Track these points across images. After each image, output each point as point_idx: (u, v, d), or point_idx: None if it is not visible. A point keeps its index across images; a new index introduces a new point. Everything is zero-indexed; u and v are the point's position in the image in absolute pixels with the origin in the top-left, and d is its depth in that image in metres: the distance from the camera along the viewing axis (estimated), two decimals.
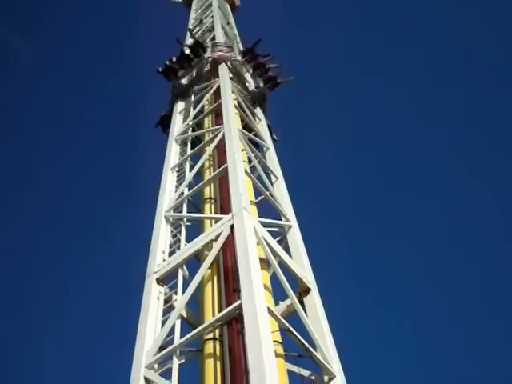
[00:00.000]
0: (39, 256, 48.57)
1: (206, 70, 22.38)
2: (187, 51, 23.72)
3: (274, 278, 12.50)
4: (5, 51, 55.01)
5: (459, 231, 44.83)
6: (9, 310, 42.74)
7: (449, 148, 48.46)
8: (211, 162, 16.74)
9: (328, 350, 11.37)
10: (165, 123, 21.71)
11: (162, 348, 10.97)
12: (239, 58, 23.37)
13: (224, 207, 14.17)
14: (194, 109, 20.35)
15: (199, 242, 13.02)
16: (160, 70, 23.81)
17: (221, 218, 12.97)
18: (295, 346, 11.45)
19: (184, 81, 22.92)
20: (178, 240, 13.83)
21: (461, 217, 45.59)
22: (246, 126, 19.08)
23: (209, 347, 11.05)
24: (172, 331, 11.12)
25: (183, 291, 12.03)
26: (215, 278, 12.38)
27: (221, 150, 16.20)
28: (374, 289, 45.21)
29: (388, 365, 40.55)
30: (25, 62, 55.79)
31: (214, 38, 25.76)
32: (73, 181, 51.47)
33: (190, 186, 15.89)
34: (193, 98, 21.40)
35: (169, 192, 15.93)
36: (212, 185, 15.72)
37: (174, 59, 23.64)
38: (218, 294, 12.02)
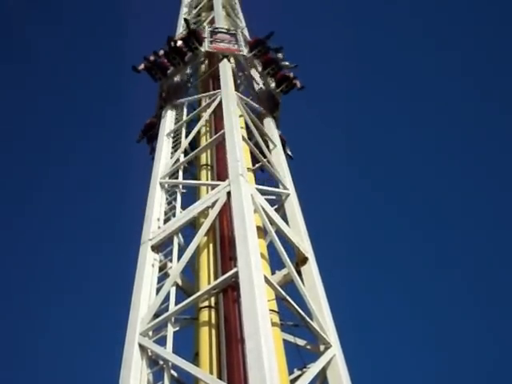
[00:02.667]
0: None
1: (201, 66, 19.35)
2: (179, 43, 18.98)
3: (271, 247, 12.41)
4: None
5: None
6: None
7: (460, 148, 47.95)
8: (208, 128, 16.45)
9: (324, 320, 11.33)
10: (151, 134, 18.19)
11: (156, 315, 10.92)
12: (245, 51, 19.15)
13: (221, 174, 13.95)
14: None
15: (195, 209, 12.84)
16: (141, 67, 18.73)
17: (217, 185, 12.78)
18: (292, 315, 11.42)
19: (175, 81, 18.90)
20: (174, 207, 13.65)
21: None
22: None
23: (204, 315, 10.99)
24: (167, 299, 11.06)
25: (178, 259, 11.91)
26: (211, 246, 12.27)
27: (218, 115, 15.88)
28: (372, 259, 45.33)
29: (386, 335, 40.91)
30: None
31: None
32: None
33: (186, 153, 15.66)
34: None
35: (164, 158, 15.65)
36: (208, 151, 15.49)
37: (162, 53, 18.81)
38: (214, 261, 11.92)
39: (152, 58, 18.60)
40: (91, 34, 54.45)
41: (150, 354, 10.46)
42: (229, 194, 12.05)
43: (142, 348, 10.44)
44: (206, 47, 18.82)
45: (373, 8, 52.66)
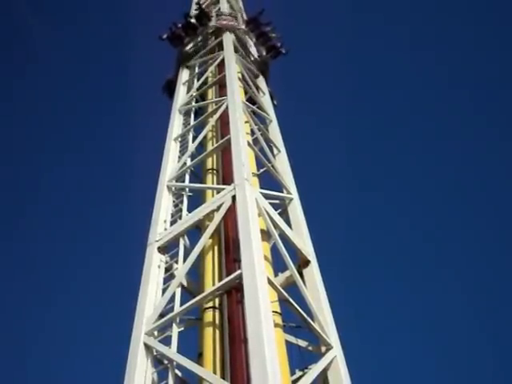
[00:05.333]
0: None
1: (210, 37, 22.63)
2: (192, 20, 23.84)
3: (274, 250, 12.62)
4: (13, 21, 54.70)
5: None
6: None
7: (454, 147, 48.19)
8: (214, 133, 16.74)
9: (326, 321, 11.49)
10: (170, 88, 21.93)
11: (162, 315, 11.12)
12: (243, 26, 23.57)
13: (226, 178, 14.20)
14: (198, 80, 20.11)
15: (201, 212, 13.08)
16: (164, 36, 23.84)
17: (223, 189, 13.02)
18: (294, 316, 11.60)
19: (189, 47, 23.00)
20: (180, 210, 13.88)
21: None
22: (250, 99, 18.96)
23: (208, 316, 11.19)
24: (172, 299, 11.26)
25: (184, 260, 12.14)
26: (216, 248, 12.48)
27: (224, 121, 16.17)
28: (374, 262, 45.52)
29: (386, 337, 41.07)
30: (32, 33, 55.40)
31: (218, 9, 25.47)
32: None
33: (192, 157, 15.92)
34: (197, 69, 21.28)
35: (171, 162, 15.94)
36: (214, 156, 15.75)
37: (180, 25, 23.77)
38: (219, 263, 12.13)
39: (173, 29, 23.58)
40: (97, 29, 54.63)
41: (154, 353, 10.66)
42: (234, 197, 12.27)
43: (148, 347, 10.63)
44: (213, 22, 23.13)
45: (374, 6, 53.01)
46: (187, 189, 14.77)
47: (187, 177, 15.18)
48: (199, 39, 23.17)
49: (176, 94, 20.17)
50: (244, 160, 13.39)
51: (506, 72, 46.88)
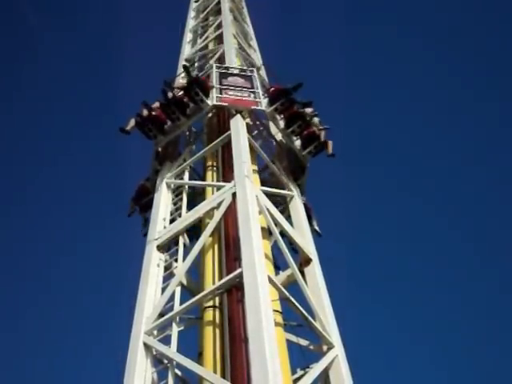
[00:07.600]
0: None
1: (209, 121, 16.31)
2: (179, 92, 15.50)
3: (275, 248, 12.51)
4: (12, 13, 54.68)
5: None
6: None
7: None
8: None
9: (327, 320, 11.41)
10: (145, 203, 15.48)
11: (161, 315, 11.03)
12: (264, 103, 15.39)
13: (226, 175, 14.04)
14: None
15: (200, 209, 12.95)
16: (131, 125, 15.29)
17: (223, 186, 12.88)
18: (295, 315, 11.53)
19: (173, 137, 15.67)
20: (180, 207, 13.75)
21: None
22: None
23: (208, 315, 11.10)
24: (172, 298, 11.17)
25: (184, 259, 12.03)
26: (216, 247, 12.36)
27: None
28: (375, 260, 45.49)
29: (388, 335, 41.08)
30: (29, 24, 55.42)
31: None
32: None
33: (192, 153, 15.76)
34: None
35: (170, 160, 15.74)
36: (215, 152, 15.56)
37: (157, 105, 15.36)
38: (219, 262, 12.01)
39: (146, 112, 15.25)
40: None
41: (154, 352, 10.57)
42: (234, 195, 12.14)
43: (147, 347, 10.54)
44: (213, 100, 15.10)
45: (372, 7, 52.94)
46: (187, 186, 14.61)
47: (187, 174, 15.02)
48: (190, 124, 15.81)
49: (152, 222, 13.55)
50: (244, 157, 13.24)
51: None
